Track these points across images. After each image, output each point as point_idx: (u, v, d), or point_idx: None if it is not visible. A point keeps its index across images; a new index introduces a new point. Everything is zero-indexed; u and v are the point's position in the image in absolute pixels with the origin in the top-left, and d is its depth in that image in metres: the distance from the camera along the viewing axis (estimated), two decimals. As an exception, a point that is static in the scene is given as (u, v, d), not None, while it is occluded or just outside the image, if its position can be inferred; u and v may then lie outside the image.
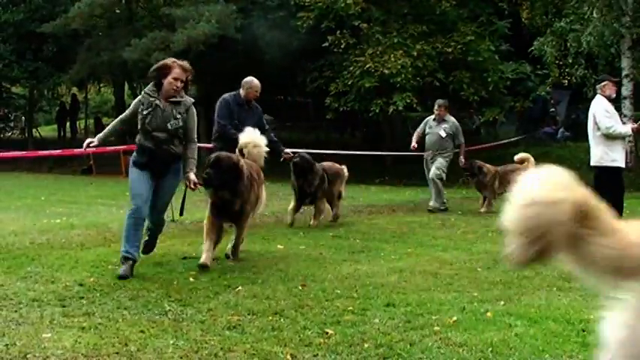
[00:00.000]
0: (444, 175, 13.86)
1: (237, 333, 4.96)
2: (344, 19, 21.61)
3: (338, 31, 21.30)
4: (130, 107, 7.56)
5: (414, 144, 14.32)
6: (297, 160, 10.86)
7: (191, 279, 6.75)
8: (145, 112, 7.19)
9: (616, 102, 20.87)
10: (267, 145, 8.86)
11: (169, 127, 7.18)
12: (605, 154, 10.32)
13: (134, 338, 4.79)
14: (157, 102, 7.21)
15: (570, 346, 4.63)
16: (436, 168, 13.71)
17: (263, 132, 9.28)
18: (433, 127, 14.10)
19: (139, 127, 7.29)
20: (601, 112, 10.38)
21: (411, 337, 4.85)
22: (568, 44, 20.41)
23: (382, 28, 21.47)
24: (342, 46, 21.00)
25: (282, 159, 10.64)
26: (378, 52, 20.93)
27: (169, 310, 5.57)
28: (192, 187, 7.41)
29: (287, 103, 31.82)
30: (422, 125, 14.57)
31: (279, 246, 8.97)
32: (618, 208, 10.32)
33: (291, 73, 23.91)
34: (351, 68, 21.04)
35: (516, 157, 14.24)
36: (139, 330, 4.99)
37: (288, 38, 22.45)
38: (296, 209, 11.06)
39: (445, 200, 13.88)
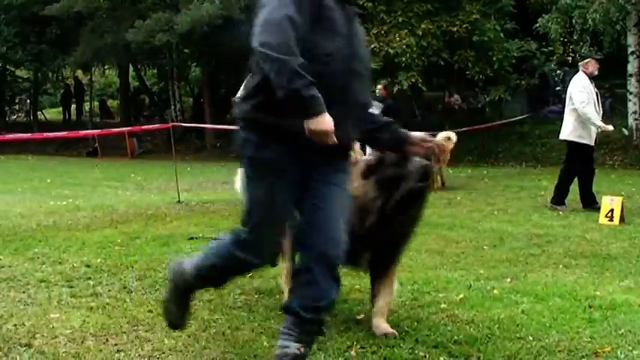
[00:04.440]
0: None
1: (245, 312, 4.97)
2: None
3: (341, 11, 21.16)
4: None
5: None
6: None
7: (198, 259, 6.76)
8: None
9: (621, 79, 20.89)
10: None
11: None
12: (574, 129, 10.39)
13: (142, 318, 4.81)
14: None
15: (577, 323, 4.63)
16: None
17: None
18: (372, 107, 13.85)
19: None
20: (578, 86, 10.42)
21: (417, 315, 4.86)
22: (573, 21, 20.25)
23: (387, 7, 21.32)
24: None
25: None
26: (382, 32, 20.81)
27: (177, 289, 5.58)
28: None
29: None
30: None
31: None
32: (585, 186, 10.39)
33: (296, 53, 23.79)
34: (356, 48, 20.91)
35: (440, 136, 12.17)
36: (147, 310, 5.00)
37: (292, 18, 22.34)
38: None
39: None
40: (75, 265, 6.53)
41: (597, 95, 10.59)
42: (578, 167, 10.49)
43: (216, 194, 13.11)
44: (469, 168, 19.87)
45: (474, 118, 23.55)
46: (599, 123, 10.46)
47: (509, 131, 22.58)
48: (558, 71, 24.30)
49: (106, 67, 37.86)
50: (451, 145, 12.13)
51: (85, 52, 27.69)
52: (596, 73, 10.68)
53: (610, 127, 11.17)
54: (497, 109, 24.62)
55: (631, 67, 19.84)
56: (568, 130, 10.51)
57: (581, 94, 10.31)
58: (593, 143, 10.57)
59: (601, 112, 10.74)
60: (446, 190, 13.38)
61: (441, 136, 12.07)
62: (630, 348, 4.17)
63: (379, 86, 15.99)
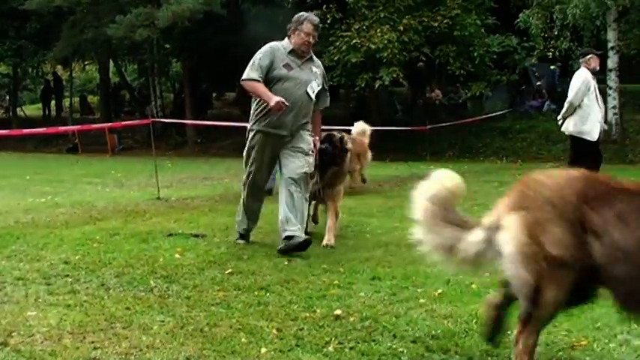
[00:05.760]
0: None
1: (223, 308, 4.96)
2: (330, -7, 21.47)
3: (324, 6, 21.13)
4: None
5: None
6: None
7: (177, 255, 6.74)
8: None
9: (601, 74, 21.01)
10: None
11: None
12: (575, 125, 10.44)
13: (119, 315, 4.78)
14: None
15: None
16: None
17: None
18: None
19: None
20: (579, 81, 10.43)
21: (396, 310, 4.87)
22: (554, 16, 20.36)
23: (368, 3, 21.32)
24: (329, 21, 20.83)
25: None
26: (364, 27, 20.83)
27: (155, 286, 5.56)
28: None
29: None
30: None
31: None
32: None
33: (278, 48, 23.74)
34: (338, 43, 20.92)
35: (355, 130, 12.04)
36: (125, 307, 4.98)
37: (273, 13, 22.31)
38: None
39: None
40: (53, 262, 6.48)
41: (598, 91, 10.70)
42: (588, 162, 10.52)
43: (196, 190, 13.07)
44: (450, 163, 19.85)
45: (455, 114, 23.65)
46: (560, 115, 10.61)
47: (490, 126, 22.67)
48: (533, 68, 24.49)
49: (86, 62, 37.57)
50: (366, 140, 12.07)
51: (65, 47, 27.49)
52: (598, 68, 10.77)
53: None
54: (478, 105, 24.74)
55: (611, 62, 19.96)
56: (570, 125, 10.55)
57: (578, 95, 10.34)
58: (594, 139, 10.57)
59: (603, 107, 10.80)
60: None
61: (355, 130, 11.97)
62: (606, 341, 4.20)
63: None
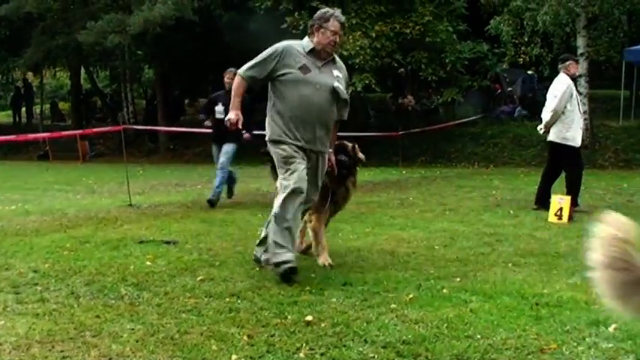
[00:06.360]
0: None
1: (194, 315, 4.93)
2: (302, 0, 21.50)
3: (296, 12, 21.18)
4: None
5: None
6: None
7: (148, 263, 6.70)
8: None
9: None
10: None
11: None
12: (560, 131, 10.41)
13: (89, 323, 4.74)
14: None
15: (524, 320, 4.69)
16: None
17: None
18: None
19: None
20: (561, 87, 10.38)
21: (367, 315, 4.87)
22: (524, 23, 20.60)
23: (340, 9, 21.32)
24: (301, 27, 20.85)
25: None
26: (336, 33, 20.84)
27: (125, 294, 5.52)
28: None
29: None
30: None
31: (236, 229, 8.94)
32: (576, 186, 10.47)
33: (249, 55, 23.65)
34: (310, 49, 20.92)
35: None
36: (95, 315, 4.93)
37: (246, 20, 22.30)
38: None
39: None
40: (22, 270, 6.41)
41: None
42: (565, 168, 10.54)
43: (168, 197, 13.00)
44: (422, 168, 20.06)
45: (428, 119, 23.78)
46: (543, 124, 10.60)
47: (462, 132, 22.81)
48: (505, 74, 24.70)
49: (57, 68, 37.27)
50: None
51: (36, 53, 27.26)
52: (578, 73, 10.74)
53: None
54: (450, 110, 24.90)
55: (581, 68, 20.13)
56: (553, 132, 10.50)
57: (561, 103, 10.31)
58: (578, 145, 10.57)
59: (582, 114, 10.76)
60: (399, 190, 13.45)
61: None
62: (575, 344, 4.23)
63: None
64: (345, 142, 7.00)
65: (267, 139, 6.30)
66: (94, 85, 35.60)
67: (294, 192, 5.91)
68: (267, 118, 6.32)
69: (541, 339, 4.32)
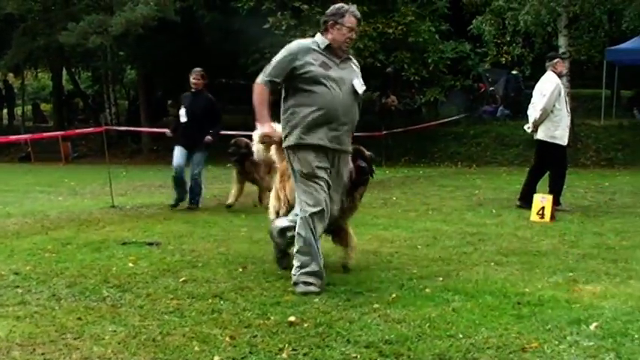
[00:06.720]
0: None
1: (177, 317, 4.92)
2: (285, 1, 21.48)
3: (279, 13, 21.14)
4: None
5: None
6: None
7: (130, 264, 6.67)
8: None
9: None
10: None
11: None
12: (548, 130, 10.44)
13: (71, 326, 4.71)
14: None
15: (506, 319, 4.71)
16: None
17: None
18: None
19: None
20: (550, 86, 10.38)
21: (350, 315, 4.87)
22: (506, 22, 20.69)
23: (323, 9, 21.30)
24: (284, 28, 20.82)
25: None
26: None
27: (107, 296, 5.50)
28: None
29: (229, 86, 31.55)
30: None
31: (219, 229, 8.92)
32: (559, 185, 10.53)
33: (232, 55, 23.68)
34: (293, 50, 20.89)
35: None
36: (76, 317, 4.91)
37: (228, 20, 22.25)
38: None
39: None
40: (3, 273, 6.36)
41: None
42: (550, 166, 10.56)
43: (151, 198, 12.95)
44: (405, 168, 20.10)
45: (411, 119, 23.83)
46: (531, 123, 10.61)
47: (445, 131, 22.88)
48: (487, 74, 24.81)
49: (38, 70, 37.02)
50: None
51: (17, 54, 27.03)
52: (565, 72, 10.75)
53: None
54: (433, 110, 24.96)
55: (563, 68, 20.29)
56: (541, 130, 10.52)
57: (550, 101, 10.31)
58: (565, 143, 10.59)
59: (569, 113, 10.79)
60: (383, 190, 13.47)
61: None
62: (557, 343, 4.26)
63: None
64: (362, 148, 6.58)
65: (284, 145, 5.87)
66: (76, 87, 35.38)
67: (316, 215, 5.66)
68: (282, 122, 5.93)
69: (523, 338, 4.35)
